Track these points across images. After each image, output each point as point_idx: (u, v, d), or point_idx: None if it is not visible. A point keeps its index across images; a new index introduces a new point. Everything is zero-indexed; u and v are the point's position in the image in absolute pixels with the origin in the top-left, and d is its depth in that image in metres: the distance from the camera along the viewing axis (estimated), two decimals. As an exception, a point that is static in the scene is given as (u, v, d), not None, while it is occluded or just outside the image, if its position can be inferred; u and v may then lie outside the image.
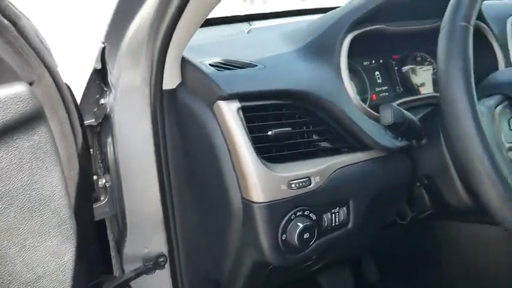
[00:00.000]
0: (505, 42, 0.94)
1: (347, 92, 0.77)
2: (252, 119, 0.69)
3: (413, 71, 0.96)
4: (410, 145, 0.78)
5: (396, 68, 0.96)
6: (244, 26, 1.03)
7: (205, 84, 0.69)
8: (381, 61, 0.94)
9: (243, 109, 0.67)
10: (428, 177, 0.78)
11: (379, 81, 0.93)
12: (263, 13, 1.18)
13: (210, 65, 0.73)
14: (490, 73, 0.76)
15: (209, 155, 0.71)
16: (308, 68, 0.76)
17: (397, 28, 0.86)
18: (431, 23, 0.89)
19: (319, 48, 0.79)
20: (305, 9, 1.24)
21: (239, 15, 1.11)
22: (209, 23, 1.04)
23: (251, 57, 0.77)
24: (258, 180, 0.65)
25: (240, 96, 0.67)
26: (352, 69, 0.90)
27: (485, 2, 0.83)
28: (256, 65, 0.74)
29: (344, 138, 0.75)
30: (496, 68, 0.92)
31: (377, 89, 0.92)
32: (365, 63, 0.92)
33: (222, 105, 0.67)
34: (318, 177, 0.69)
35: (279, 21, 1.11)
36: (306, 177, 0.68)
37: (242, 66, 0.74)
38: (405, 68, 0.95)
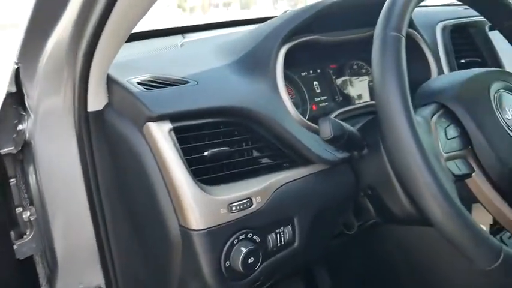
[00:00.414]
0: (436, 49, 0.96)
1: (285, 105, 0.74)
2: (187, 140, 0.64)
3: (350, 80, 0.96)
4: (352, 156, 0.76)
5: (334, 77, 0.95)
6: (177, 39, 0.99)
7: (133, 105, 0.64)
8: (319, 71, 0.93)
9: (176, 130, 0.63)
10: (371, 187, 0.77)
11: (318, 91, 0.92)
12: (198, 25, 1.14)
13: (138, 83, 0.68)
14: (425, 80, 0.76)
15: (142, 181, 0.65)
16: (243, 82, 0.73)
17: (332, 38, 0.85)
18: (366, 31, 0.89)
19: (254, 61, 0.76)
20: (241, 20, 1.22)
21: (172, 28, 1.07)
22: (139, 36, 0.99)
23: (183, 73, 0.73)
24: (196, 205, 0.61)
25: (171, 117, 0.62)
26: (290, 80, 0.88)
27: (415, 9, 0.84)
28: (188, 82, 0.70)
29: (285, 153, 0.72)
30: (430, 75, 0.94)
31: (316, 99, 0.91)
32: (303, 73, 0.91)
33: (151, 127, 0.62)
34: (260, 197, 0.66)
35: (214, 33, 1.08)
36: (247, 198, 0.65)
37: (173, 83, 0.70)
38: (339, 80, 0.95)
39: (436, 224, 0.53)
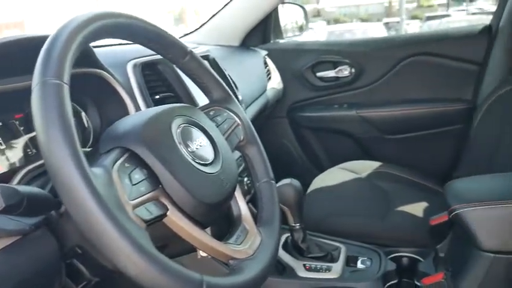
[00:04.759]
0: (130, 88, 0.96)
1: None
2: None
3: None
4: (48, 218, 0.67)
5: (22, 128, 0.83)
6: None
7: None
8: (1, 124, 0.80)
9: None
10: (79, 246, 0.69)
11: (3, 147, 0.78)
12: None
13: None
14: None
15: None
16: None
17: (2, 86, 0.74)
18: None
19: None
20: None
21: None
22: None
23: None
24: None
25: None
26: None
27: (101, 49, 0.81)
28: None
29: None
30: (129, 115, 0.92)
31: (1, 157, 0.77)
32: (-23, 129, 0.76)
33: None
34: None
35: None
36: None
37: None
38: (28, 131, 0.83)
39: (134, 278, 0.49)
